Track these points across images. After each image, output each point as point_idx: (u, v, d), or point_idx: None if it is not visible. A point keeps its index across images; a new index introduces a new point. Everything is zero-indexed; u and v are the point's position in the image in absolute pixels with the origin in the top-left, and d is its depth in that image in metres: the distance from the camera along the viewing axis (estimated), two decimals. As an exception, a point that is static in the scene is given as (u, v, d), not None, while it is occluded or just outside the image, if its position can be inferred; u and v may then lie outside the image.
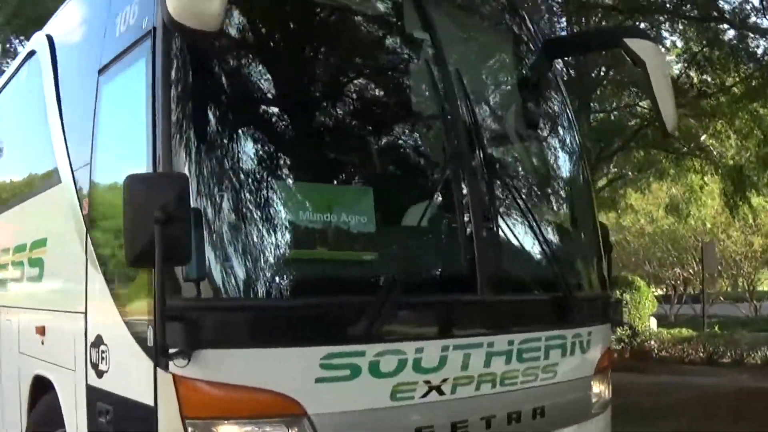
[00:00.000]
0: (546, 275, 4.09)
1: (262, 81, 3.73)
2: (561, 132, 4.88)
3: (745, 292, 29.19)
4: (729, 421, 8.93)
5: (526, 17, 4.96)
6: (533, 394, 3.85)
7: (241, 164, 3.38)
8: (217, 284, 3.14)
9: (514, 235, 3.95)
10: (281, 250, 3.37)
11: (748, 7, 13.08)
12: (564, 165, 4.91)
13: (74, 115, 4.36)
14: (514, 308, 3.86)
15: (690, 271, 27.23)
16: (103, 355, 3.65)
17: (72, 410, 3.97)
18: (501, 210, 3.97)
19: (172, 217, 2.81)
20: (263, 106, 3.69)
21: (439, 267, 3.87)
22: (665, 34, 15.52)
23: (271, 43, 3.94)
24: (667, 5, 13.28)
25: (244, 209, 3.31)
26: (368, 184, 3.82)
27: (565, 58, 15.35)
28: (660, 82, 4.32)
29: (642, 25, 12.81)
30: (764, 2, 12.89)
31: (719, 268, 24.54)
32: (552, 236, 4.36)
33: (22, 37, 13.38)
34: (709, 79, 14.75)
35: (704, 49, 14.21)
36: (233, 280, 3.19)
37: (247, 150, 3.47)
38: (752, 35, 13.27)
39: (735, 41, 13.41)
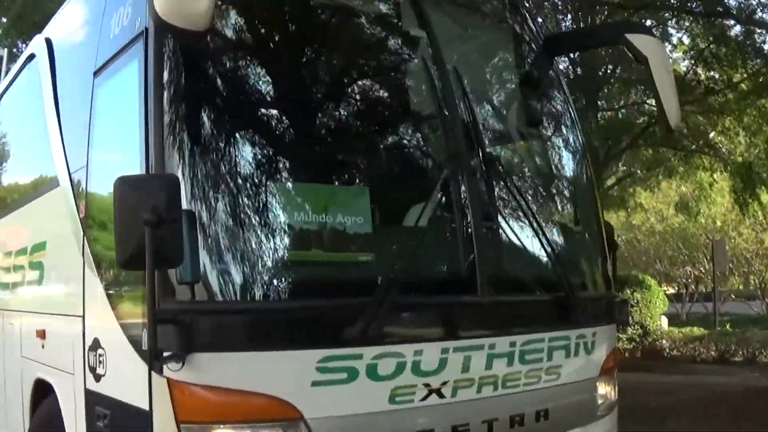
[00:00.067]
0: (548, 275, 4.02)
1: (256, 81, 3.70)
2: (563, 130, 4.82)
3: (756, 290, 29.04)
4: (735, 421, 8.84)
5: (527, 14, 4.91)
6: (536, 397, 3.79)
7: (235, 165, 3.35)
8: (211, 287, 3.10)
9: (515, 235, 3.88)
10: (276, 252, 3.33)
11: (754, 2, 12.99)
12: (566, 163, 4.86)
13: (71, 118, 4.35)
14: (516, 309, 3.81)
15: (701, 269, 27.12)
16: (101, 359, 3.62)
17: (71, 414, 3.95)
18: (501, 209, 3.91)
19: (163, 219, 2.78)
20: (257, 107, 3.65)
21: (438, 267, 3.81)
22: (672, 30, 15.48)
23: (265, 43, 3.89)
24: (673, 1, 13.17)
25: (238, 210, 3.27)
26: (365, 184, 3.78)
27: (572, 56, 15.37)
28: (662, 77, 4.27)
29: (648, 22, 12.72)
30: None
31: (730, 265, 24.40)
32: (554, 235, 4.30)
33: (28, 42, 13.40)
34: (716, 75, 14.63)
35: (711, 46, 14.12)
36: (227, 283, 3.16)
37: (241, 150, 3.42)
38: (759, 31, 13.16)
39: (741, 37, 13.29)
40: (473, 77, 4.30)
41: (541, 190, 4.53)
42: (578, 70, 15.85)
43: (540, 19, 13.32)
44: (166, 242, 2.81)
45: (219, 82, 3.50)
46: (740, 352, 14.71)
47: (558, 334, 3.92)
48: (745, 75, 14.24)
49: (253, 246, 3.25)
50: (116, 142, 3.69)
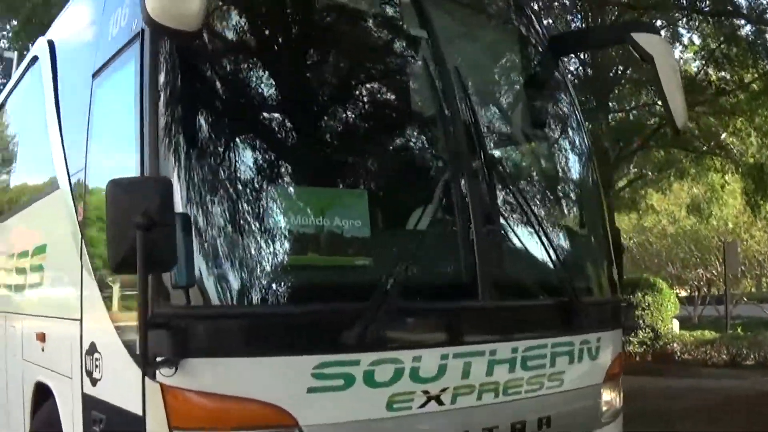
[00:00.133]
0: (551, 280, 3.95)
1: (253, 83, 3.65)
2: (568, 131, 4.75)
3: (769, 293, 28.85)
4: (746, 425, 8.78)
5: (531, 14, 4.84)
6: (539, 403, 3.72)
7: (231, 167, 3.31)
8: (206, 291, 3.06)
9: (518, 238, 3.82)
10: (272, 256, 3.28)
11: (765, 2, 12.90)
12: (570, 164, 4.78)
13: (71, 120, 4.32)
14: (518, 314, 3.75)
15: (713, 271, 26.93)
16: (97, 363, 3.59)
17: (69, 418, 3.93)
18: (503, 212, 3.85)
19: (155, 223, 2.74)
20: (253, 108, 3.59)
21: (438, 271, 3.73)
22: (682, 31, 15.39)
23: (262, 44, 3.83)
24: (683, 1, 13.08)
25: (234, 214, 3.23)
26: (364, 186, 3.73)
27: (582, 57, 15.31)
28: (669, 77, 4.19)
29: (658, 22, 12.64)
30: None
31: (742, 268, 24.24)
32: (558, 239, 4.24)
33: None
34: (727, 76, 14.57)
35: (722, 46, 14.02)
36: (221, 287, 3.11)
37: (238, 153, 3.37)
38: (770, 31, 13.07)
39: (753, 37, 13.19)
40: (476, 78, 4.22)
41: (545, 192, 4.45)
42: (589, 71, 15.79)
43: (550, 20, 13.28)
44: (158, 246, 2.76)
45: (215, 83, 3.45)
46: (752, 356, 14.56)
47: (561, 340, 3.85)
48: (756, 75, 14.15)
49: (249, 250, 3.21)
50: (113, 145, 3.65)
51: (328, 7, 3.95)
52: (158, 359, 2.90)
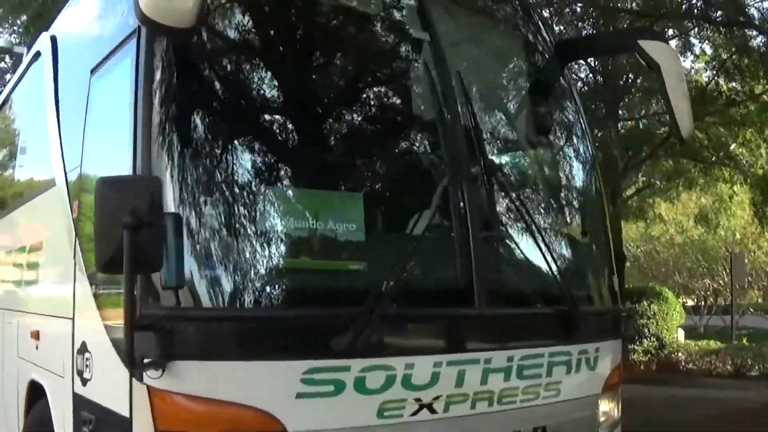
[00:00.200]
0: (550, 288, 3.88)
1: (248, 82, 3.58)
2: (571, 139, 4.69)
3: (775, 304, 28.70)
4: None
5: (538, 19, 4.77)
6: (534, 413, 3.66)
7: (224, 168, 3.25)
8: (194, 293, 3.00)
9: (516, 245, 3.77)
10: (263, 258, 3.23)
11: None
12: (572, 173, 4.72)
13: (70, 116, 4.28)
14: (514, 322, 3.69)
15: (720, 281, 26.82)
16: (87, 363, 3.56)
17: (60, 417, 3.90)
18: (502, 218, 3.80)
19: (143, 223, 2.69)
20: (249, 108, 3.55)
21: (433, 277, 3.66)
22: (693, 40, 15.31)
23: (258, 44, 3.78)
24: (695, 10, 13.01)
25: (226, 215, 3.18)
26: (359, 190, 3.67)
27: (592, 65, 15.25)
28: (675, 85, 4.14)
29: (669, 32, 12.57)
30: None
31: (749, 279, 24.12)
32: (557, 247, 4.18)
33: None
34: (738, 86, 14.49)
35: (733, 56, 13.94)
36: (211, 289, 3.06)
37: (231, 153, 3.32)
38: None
39: (764, 48, 13.10)
40: (478, 82, 4.17)
41: (545, 200, 4.39)
42: (599, 79, 15.73)
43: (561, 27, 13.21)
44: (145, 246, 2.72)
45: (210, 82, 3.41)
46: (756, 367, 14.49)
47: (558, 349, 3.78)
48: (767, 86, 14.04)
49: (240, 251, 3.15)
50: (108, 142, 3.61)
51: (325, 7, 3.90)
52: (145, 361, 2.86)
